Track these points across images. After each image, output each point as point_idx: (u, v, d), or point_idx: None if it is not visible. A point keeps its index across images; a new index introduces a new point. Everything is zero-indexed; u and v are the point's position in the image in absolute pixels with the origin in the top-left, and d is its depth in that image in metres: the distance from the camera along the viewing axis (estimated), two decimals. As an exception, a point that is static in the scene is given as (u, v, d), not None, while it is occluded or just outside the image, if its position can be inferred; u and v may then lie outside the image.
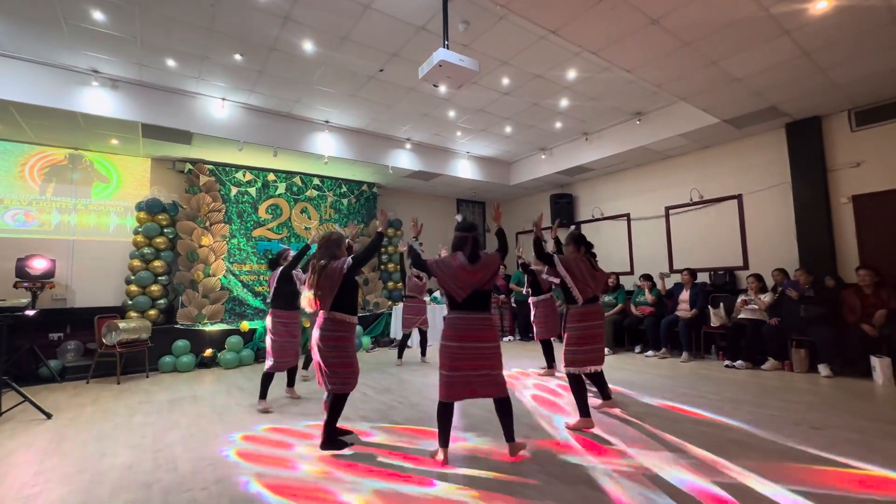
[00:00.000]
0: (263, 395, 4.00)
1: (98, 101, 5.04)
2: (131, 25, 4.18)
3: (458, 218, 3.47)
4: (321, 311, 3.03)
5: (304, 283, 3.21)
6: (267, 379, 4.00)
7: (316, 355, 2.99)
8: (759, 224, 6.28)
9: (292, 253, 4.44)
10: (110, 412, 4.07)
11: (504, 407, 2.73)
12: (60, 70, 4.85)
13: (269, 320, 4.13)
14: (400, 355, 6.19)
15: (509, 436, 2.74)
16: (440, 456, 2.68)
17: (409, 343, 6.59)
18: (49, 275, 5.53)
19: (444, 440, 2.71)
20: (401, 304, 7.96)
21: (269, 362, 4.02)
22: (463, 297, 2.73)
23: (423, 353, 6.38)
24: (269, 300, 4.42)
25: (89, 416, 3.93)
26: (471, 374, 2.68)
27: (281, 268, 4.22)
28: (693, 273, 6.36)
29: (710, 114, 5.53)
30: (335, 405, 2.99)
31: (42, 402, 4.08)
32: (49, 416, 3.89)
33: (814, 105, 5.34)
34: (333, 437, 3.02)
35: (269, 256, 5.77)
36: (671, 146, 6.77)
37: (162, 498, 2.36)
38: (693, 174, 7.04)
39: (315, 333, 3.01)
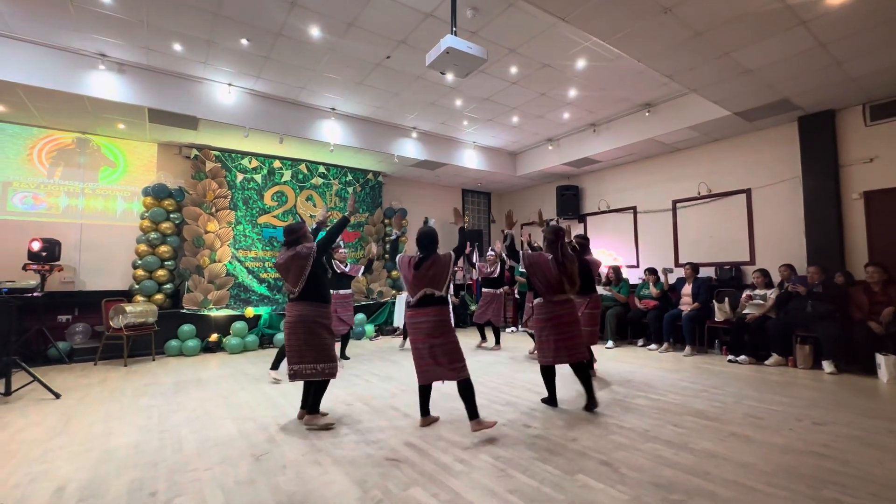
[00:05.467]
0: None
1: (105, 84, 5.04)
2: (138, 8, 4.16)
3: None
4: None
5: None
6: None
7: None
8: (767, 219, 6.21)
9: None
10: (117, 393, 4.14)
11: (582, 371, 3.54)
12: (68, 53, 4.85)
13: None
14: (276, 366, 4.58)
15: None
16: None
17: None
18: (49, 257, 5.55)
19: (552, 397, 3.55)
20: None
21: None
22: None
23: (276, 366, 4.56)
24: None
25: (97, 397, 4.01)
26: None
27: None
28: (695, 267, 6.31)
29: (721, 106, 5.44)
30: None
31: (51, 383, 4.17)
32: (58, 395, 3.96)
33: (828, 98, 5.24)
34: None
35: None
36: (680, 139, 6.68)
37: (167, 477, 2.40)
38: (701, 168, 6.96)
39: None
